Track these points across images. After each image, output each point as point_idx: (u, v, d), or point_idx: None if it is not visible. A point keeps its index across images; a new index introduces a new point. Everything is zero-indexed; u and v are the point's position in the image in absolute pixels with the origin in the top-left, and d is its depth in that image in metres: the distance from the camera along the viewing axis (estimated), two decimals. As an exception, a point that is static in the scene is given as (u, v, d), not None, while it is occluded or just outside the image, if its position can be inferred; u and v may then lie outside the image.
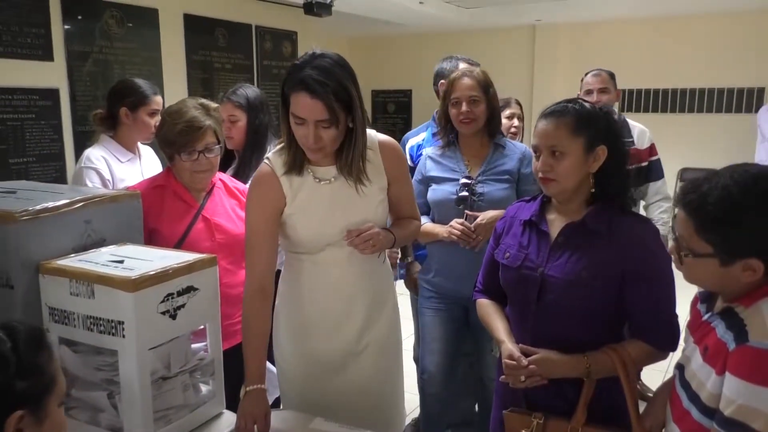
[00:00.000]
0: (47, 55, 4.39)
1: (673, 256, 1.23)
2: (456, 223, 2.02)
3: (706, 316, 1.23)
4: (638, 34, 6.55)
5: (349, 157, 1.54)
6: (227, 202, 1.99)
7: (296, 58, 1.58)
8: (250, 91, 2.45)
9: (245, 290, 1.58)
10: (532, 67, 7.09)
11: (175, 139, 1.85)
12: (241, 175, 2.30)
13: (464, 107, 2.06)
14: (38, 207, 1.30)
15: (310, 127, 1.45)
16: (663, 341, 1.43)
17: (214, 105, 1.97)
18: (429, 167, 2.17)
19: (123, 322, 1.23)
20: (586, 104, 1.45)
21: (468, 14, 6.63)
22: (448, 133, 2.16)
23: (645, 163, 3.01)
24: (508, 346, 1.45)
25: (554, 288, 1.42)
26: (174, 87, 5.38)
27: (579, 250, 1.42)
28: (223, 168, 2.44)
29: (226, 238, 1.91)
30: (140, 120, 2.41)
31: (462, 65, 2.57)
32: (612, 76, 3.05)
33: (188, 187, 1.92)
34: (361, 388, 1.66)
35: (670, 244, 1.23)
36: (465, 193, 2.03)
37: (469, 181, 2.04)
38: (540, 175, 1.43)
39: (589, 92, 2.96)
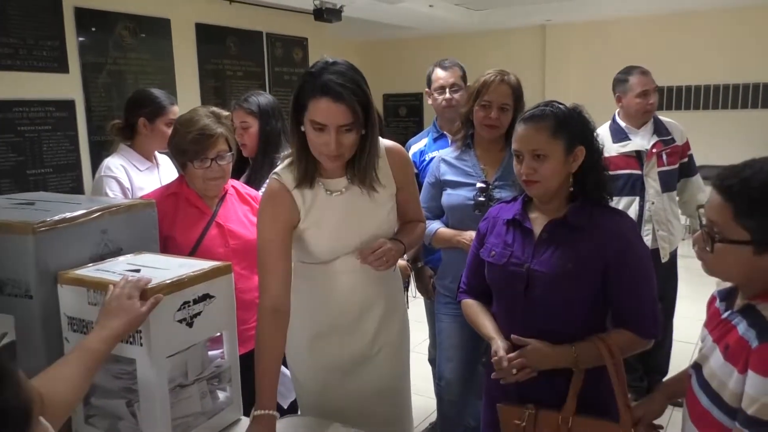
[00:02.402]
0: (63, 67, 4.47)
1: (696, 246, 1.22)
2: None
3: (725, 314, 1.22)
4: (650, 31, 6.50)
5: (362, 165, 1.52)
6: (240, 209, 2.01)
7: (307, 64, 1.61)
8: (262, 98, 2.47)
9: (259, 310, 1.52)
10: (543, 68, 7.06)
11: (187, 147, 1.87)
12: (253, 181, 2.31)
13: (494, 113, 2.03)
14: (56, 218, 1.32)
15: (332, 133, 1.42)
16: (645, 329, 1.48)
17: (225, 113, 1.98)
18: (444, 171, 2.15)
19: (140, 331, 1.24)
20: (561, 106, 1.51)
21: (478, 16, 6.63)
22: (467, 134, 2.13)
23: (685, 159, 2.98)
24: (498, 342, 1.50)
25: (541, 282, 1.48)
26: (187, 96, 5.43)
27: (563, 245, 1.48)
28: (237, 175, 2.47)
29: (240, 243, 1.93)
30: (158, 129, 2.44)
31: (452, 70, 2.56)
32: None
33: (201, 194, 1.94)
34: (376, 390, 1.68)
35: (697, 233, 1.22)
36: (483, 199, 2.00)
37: (485, 186, 2.02)
38: (524, 178, 1.49)
39: (645, 94, 2.84)
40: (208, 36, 5.63)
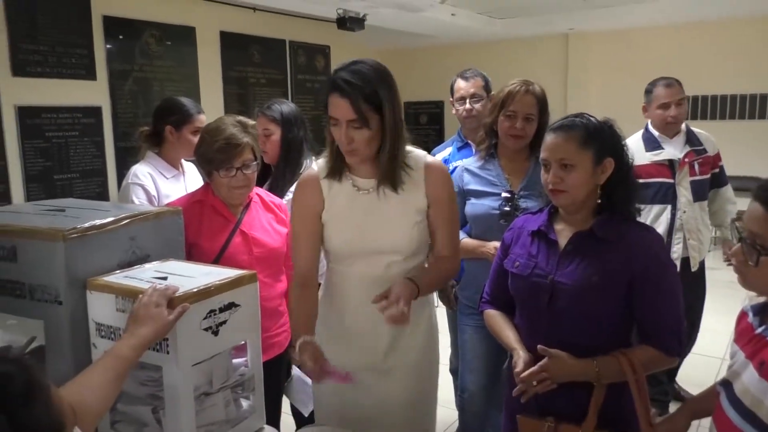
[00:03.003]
0: (90, 75, 4.55)
1: (735, 259, 1.19)
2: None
3: (760, 329, 1.19)
4: (673, 40, 6.44)
5: (382, 163, 1.54)
6: (264, 216, 2.02)
7: (329, 71, 1.67)
8: (285, 106, 2.48)
9: (290, 282, 1.66)
10: (565, 76, 7.02)
11: (213, 156, 1.89)
12: (275, 188, 2.32)
13: (519, 123, 2.02)
14: (86, 225, 1.33)
15: (343, 128, 1.49)
16: (670, 346, 1.46)
17: (251, 122, 2.00)
18: (467, 180, 2.14)
19: (167, 338, 1.25)
20: (592, 118, 1.50)
21: (500, 24, 6.62)
22: (491, 144, 2.12)
23: (717, 170, 2.98)
24: (520, 353, 1.49)
25: (565, 294, 1.46)
26: (211, 102, 5.49)
27: (588, 258, 1.47)
28: (260, 182, 2.49)
29: (264, 251, 1.94)
30: (184, 137, 2.46)
31: (473, 80, 2.55)
32: (680, 83, 2.91)
33: (226, 202, 1.95)
34: (391, 408, 1.65)
35: (735, 246, 1.19)
36: (508, 208, 1.98)
37: (511, 195, 2.01)
38: (550, 187, 1.48)
39: (665, 106, 2.83)
40: (232, 44, 5.69)
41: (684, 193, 2.85)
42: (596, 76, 6.90)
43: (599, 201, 1.50)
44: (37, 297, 1.33)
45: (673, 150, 2.86)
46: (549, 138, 1.50)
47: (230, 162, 1.87)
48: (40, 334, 1.35)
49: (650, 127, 2.95)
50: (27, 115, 4.19)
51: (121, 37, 4.75)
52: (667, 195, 2.84)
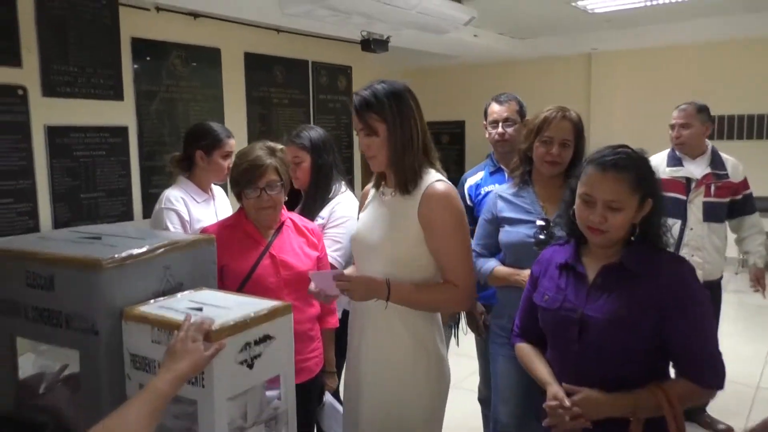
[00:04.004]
0: (118, 95, 4.60)
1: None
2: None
3: None
4: (698, 59, 6.38)
5: (395, 171, 1.69)
6: (296, 240, 2.03)
7: (350, 91, 1.85)
8: (313, 132, 2.48)
9: None
10: (588, 96, 6.98)
11: (240, 177, 1.95)
12: (306, 213, 2.32)
13: (555, 149, 1.99)
14: (123, 254, 1.33)
15: (361, 137, 1.71)
16: (707, 379, 1.42)
17: (279, 146, 2.04)
18: (501, 207, 2.10)
19: (203, 372, 1.23)
20: (636, 155, 1.48)
21: (522, 45, 6.62)
22: (525, 170, 2.09)
23: (739, 197, 3.02)
24: (554, 387, 1.46)
25: (595, 328, 1.43)
26: (234, 122, 5.53)
27: (617, 290, 1.44)
28: (291, 207, 2.49)
29: (292, 274, 1.95)
30: (214, 162, 2.48)
31: (507, 104, 2.53)
32: (701, 109, 3.03)
33: (257, 225, 1.98)
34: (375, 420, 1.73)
35: None
36: (543, 237, 1.95)
37: (546, 223, 1.97)
38: (591, 225, 1.45)
39: (671, 127, 3.05)
40: (256, 64, 5.74)
41: (694, 211, 2.96)
42: (620, 95, 6.85)
43: (632, 237, 1.49)
44: (73, 326, 1.32)
45: (693, 169, 2.98)
46: (595, 172, 1.45)
47: (255, 183, 1.92)
48: (74, 362, 1.34)
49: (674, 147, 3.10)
50: (56, 134, 4.25)
51: (148, 58, 4.81)
52: (678, 210, 2.94)
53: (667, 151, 3.09)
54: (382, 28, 4.72)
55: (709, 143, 3.07)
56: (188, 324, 1.22)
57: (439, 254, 1.66)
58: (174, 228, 2.34)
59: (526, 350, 1.63)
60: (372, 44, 4.84)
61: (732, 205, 2.99)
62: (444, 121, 7.81)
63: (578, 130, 2.02)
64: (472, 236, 2.36)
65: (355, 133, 1.80)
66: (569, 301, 1.49)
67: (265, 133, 5.88)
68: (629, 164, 1.43)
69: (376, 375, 1.73)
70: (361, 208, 1.89)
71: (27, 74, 4.05)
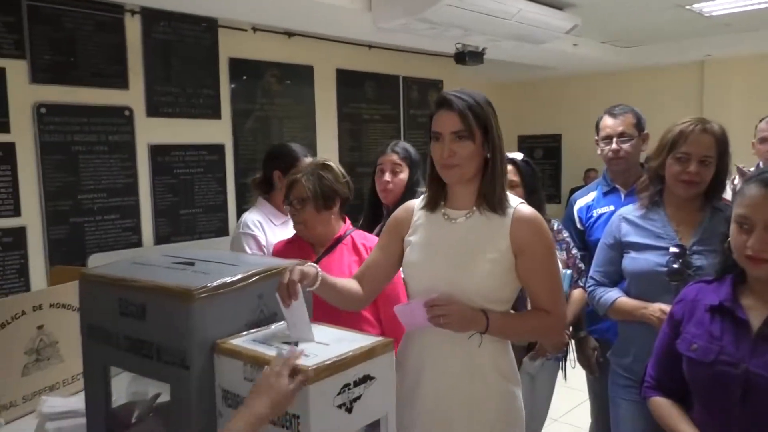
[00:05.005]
0: (216, 114, 4.73)
1: None
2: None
3: None
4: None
5: (486, 184, 1.50)
6: (347, 258, 1.95)
7: None
8: (411, 147, 2.47)
9: None
10: (700, 106, 6.44)
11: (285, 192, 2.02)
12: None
13: (693, 167, 1.73)
14: (216, 283, 1.24)
15: (445, 140, 1.48)
16: None
17: (329, 164, 2.01)
18: (625, 231, 1.86)
19: (298, 416, 1.11)
20: None
21: (626, 54, 6.22)
22: (655, 190, 1.85)
23: None
24: None
25: (763, 389, 1.21)
26: (325, 139, 5.55)
27: None
28: (375, 224, 2.38)
29: None
30: None
31: (622, 117, 2.27)
32: None
33: (311, 241, 2.00)
34: None
35: None
36: (677, 266, 1.70)
37: (681, 251, 1.72)
38: (750, 253, 1.22)
39: (761, 140, 2.87)
40: (347, 81, 5.75)
41: None
42: (736, 104, 6.25)
43: None
44: (164, 359, 1.24)
45: None
46: (759, 192, 1.23)
47: (287, 196, 1.98)
48: (166, 391, 1.27)
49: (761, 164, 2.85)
50: (158, 153, 4.40)
51: (244, 77, 4.91)
52: None
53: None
54: (478, 40, 4.55)
55: None
56: (276, 359, 1.12)
57: (532, 281, 1.51)
58: (252, 253, 2.33)
59: (665, 407, 1.39)
60: (467, 57, 4.67)
61: None
62: (538, 135, 7.47)
63: (721, 145, 1.74)
64: (587, 263, 2.14)
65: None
66: (728, 354, 1.25)
67: (356, 150, 5.86)
68: None
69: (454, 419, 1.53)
70: (396, 216, 1.64)
71: (133, 96, 4.23)
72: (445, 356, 1.52)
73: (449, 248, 1.52)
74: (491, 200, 1.49)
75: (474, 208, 1.52)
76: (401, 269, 1.64)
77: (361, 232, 2.06)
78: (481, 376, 1.51)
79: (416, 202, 1.64)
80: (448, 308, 1.44)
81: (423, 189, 1.72)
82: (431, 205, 1.58)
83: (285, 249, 2.05)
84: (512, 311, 1.58)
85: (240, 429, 1.05)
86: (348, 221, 2.05)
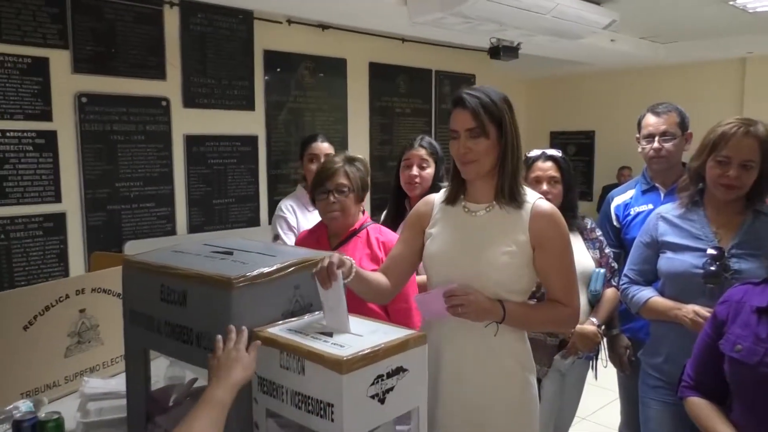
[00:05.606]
0: (250, 105, 4.78)
1: None
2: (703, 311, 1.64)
3: None
4: None
5: (503, 177, 1.54)
6: (360, 252, 1.97)
7: None
8: (435, 142, 2.49)
9: None
10: (741, 105, 6.27)
11: (314, 180, 2.03)
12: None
13: (733, 171, 1.69)
14: (254, 273, 1.27)
15: (461, 138, 1.53)
16: None
17: (360, 158, 2.07)
18: (663, 230, 1.84)
19: (332, 405, 1.13)
20: None
21: (665, 50, 6.09)
22: (696, 190, 1.82)
23: None
24: None
25: None
26: (357, 132, 5.57)
27: None
28: (398, 217, 2.40)
29: None
30: (305, 167, 2.65)
31: (665, 115, 2.22)
32: None
33: (329, 232, 2.03)
34: None
35: None
36: (714, 268, 1.68)
37: (719, 253, 1.69)
38: None
39: None
40: (379, 74, 5.76)
41: None
42: (778, 105, 6.09)
43: None
44: (203, 345, 1.28)
45: None
46: None
47: (323, 184, 1.97)
48: (203, 376, 1.30)
49: None
50: (193, 143, 4.48)
51: (278, 69, 4.96)
52: None
53: None
54: (513, 34, 4.50)
55: None
56: (230, 336, 1.22)
57: (549, 273, 1.55)
58: (284, 234, 2.53)
59: (703, 408, 1.38)
60: (501, 51, 4.64)
61: None
62: (571, 131, 7.37)
63: (766, 149, 1.69)
64: (622, 261, 2.12)
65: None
66: None
67: (386, 143, 5.86)
68: None
69: (473, 410, 1.55)
70: (417, 211, 1.69)
71: (170, 87, 4.31)
72: (462, 344, 1.56)
73: (469, 240, 1.56)
74: (507, 194, 1.54)
75: (494, 201, 1.56)
76: (424, 258, 1.67)
77: (377, 225, 2.09)
78: (498, 363, 1.54)
79: (436, 196, 1.68)
80: (466, 298, 1.48)
81: (446, 184, 1.75)
82: (451, 199, 1.63)
83: (305, 239, 2.09)
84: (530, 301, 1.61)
85: (224, 397, 1.14)
86: (366, 214, 2.09)
